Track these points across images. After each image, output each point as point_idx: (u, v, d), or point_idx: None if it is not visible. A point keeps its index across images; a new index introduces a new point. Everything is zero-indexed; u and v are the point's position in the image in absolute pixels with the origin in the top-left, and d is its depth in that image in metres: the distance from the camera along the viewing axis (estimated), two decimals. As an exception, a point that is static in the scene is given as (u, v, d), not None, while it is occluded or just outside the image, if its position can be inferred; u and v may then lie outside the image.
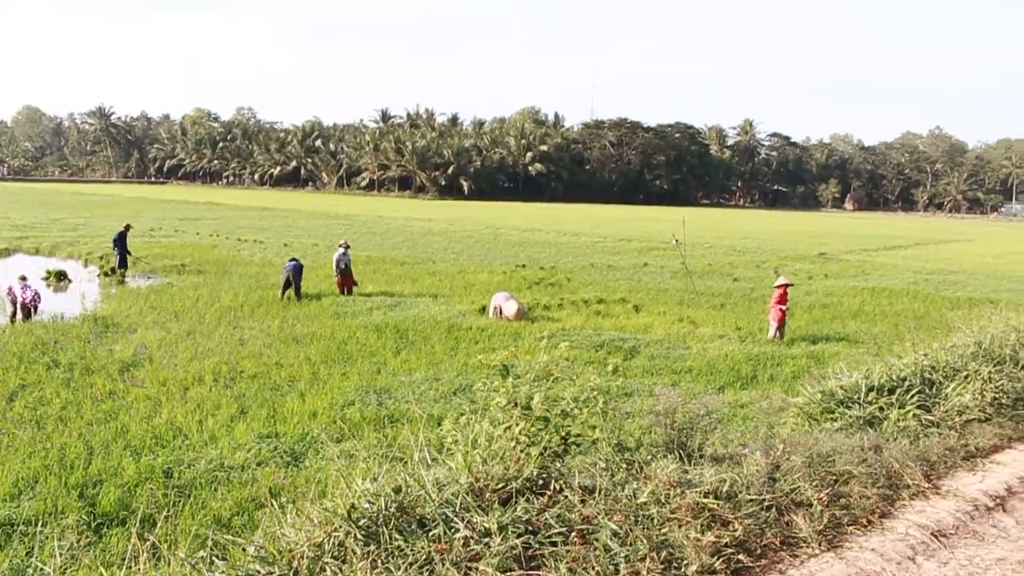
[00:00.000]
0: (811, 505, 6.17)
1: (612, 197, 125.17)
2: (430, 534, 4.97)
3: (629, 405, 11.54)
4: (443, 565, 4.72)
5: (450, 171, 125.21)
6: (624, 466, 6.24)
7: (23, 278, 20.95)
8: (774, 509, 6.01)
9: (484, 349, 14.62)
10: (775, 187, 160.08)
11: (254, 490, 8.16)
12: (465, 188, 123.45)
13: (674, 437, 6.97)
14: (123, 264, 26.12)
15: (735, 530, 5.57)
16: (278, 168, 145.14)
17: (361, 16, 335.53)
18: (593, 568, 4.87)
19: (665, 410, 7.27)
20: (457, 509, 5.17)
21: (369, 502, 5.09)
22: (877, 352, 12.08)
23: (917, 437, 8.16)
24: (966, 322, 13.39)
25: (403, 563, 4.68)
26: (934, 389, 9.44)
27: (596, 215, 77.60)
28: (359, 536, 4.86)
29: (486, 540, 4.92)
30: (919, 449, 7.74)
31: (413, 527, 5.02)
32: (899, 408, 8.81)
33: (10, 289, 18.57)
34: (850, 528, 6.12)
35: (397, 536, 4.89)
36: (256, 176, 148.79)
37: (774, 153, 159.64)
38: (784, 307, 17.12)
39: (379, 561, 4.71)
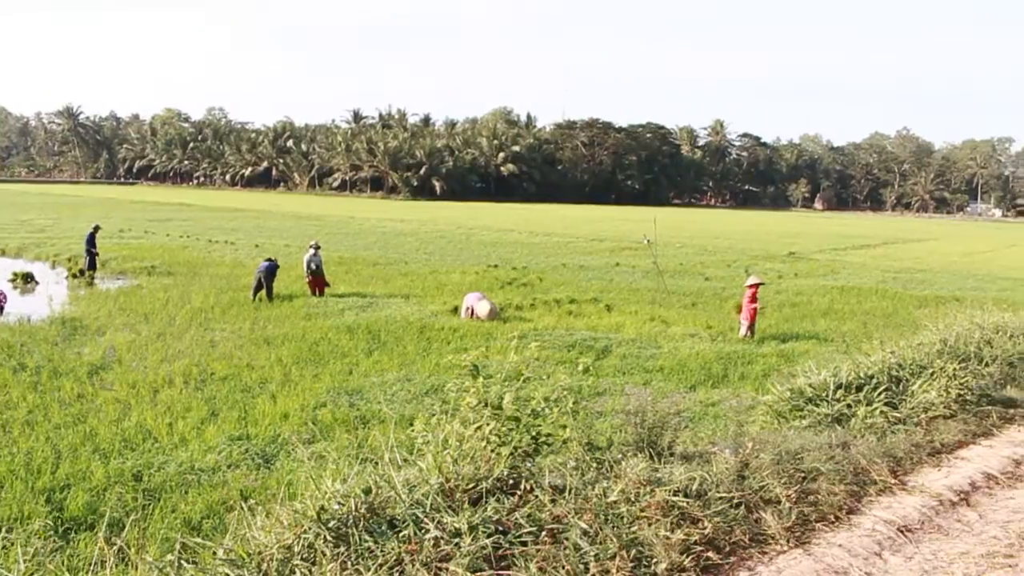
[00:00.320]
0: (780, 502, 6.24)
1: (584, 197, 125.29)
2: (400, 535, 4.98)
3: (601, 404, 11.58)
4: (413, 566, 4.72)
5: (422, 172, 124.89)
6: (594, 465, 6.28)
7: (-12, 280, 20.66)
8: (743, 507, 6.08)
9: (456, 349, 14.60)
10: (746, 187, 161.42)
11: (224, 493, 8.09)
12: (437, 188, 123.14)
13: (644, 436, 7.03)
14: (92, 266, 25.83)
15: (704, 528, 5.63)
16: (249, 169, 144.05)
17: (333, 16, 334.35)
18: (563, 567, 4.90)
19: (636, 409, 7.33)
20: (427, 509, 5.17)
21: (339, 503, 5.09)
22: (846, 350, 12.21)
23: (884, 434, 8.29)
24: (933, 320, 13.63)
25: (373, 564, 4.69)
26: (901, 386, 9.58)
27: (568, 215, 77.75)
28: (329, 537, 4.85)
29: (456, 540, 4.93)
30: (886, 446, 7.86)
31: (383, 528, 5.03)
32: (867, 405, 8.94)
33: (-25, 291, 18.31)
34: (818, 524, 6.20)
35: (367, 537, 4.90)
36: (227, 177, 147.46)
37: (745, 153, 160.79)
38: (755, 306, 17.26)
39: (349, 562, 4.71)
